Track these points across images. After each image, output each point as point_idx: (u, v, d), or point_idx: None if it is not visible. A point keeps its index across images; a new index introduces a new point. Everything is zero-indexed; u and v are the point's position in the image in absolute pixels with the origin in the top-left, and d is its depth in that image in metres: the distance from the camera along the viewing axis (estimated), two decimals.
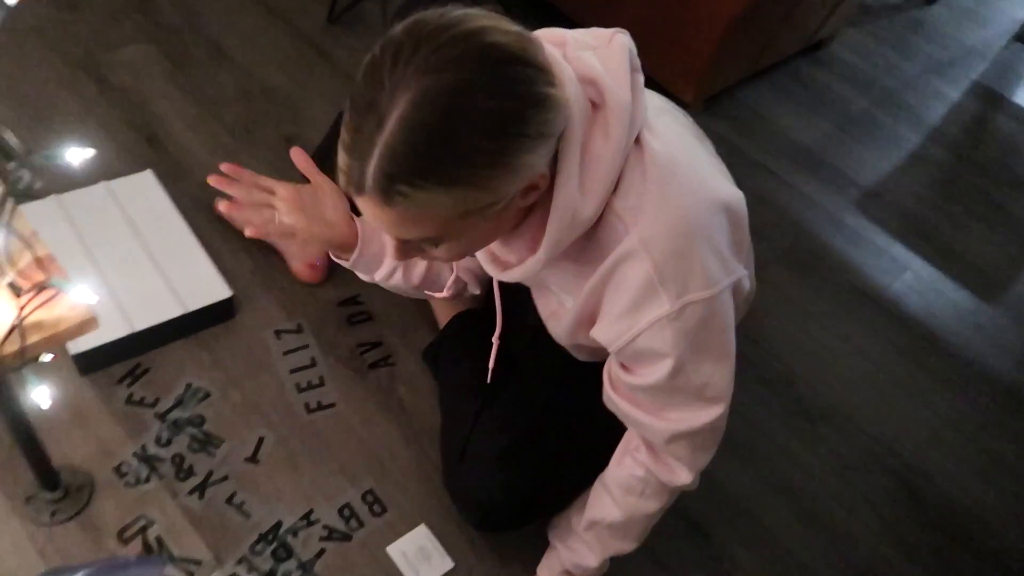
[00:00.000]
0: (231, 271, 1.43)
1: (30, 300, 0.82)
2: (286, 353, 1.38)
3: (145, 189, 1.49)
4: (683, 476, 1.00)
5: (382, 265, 1.13)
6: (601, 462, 1.09)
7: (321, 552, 1.18)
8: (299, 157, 1.07)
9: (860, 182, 2.08)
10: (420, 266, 1.16)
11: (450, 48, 0.69)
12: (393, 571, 1.19)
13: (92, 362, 1.27)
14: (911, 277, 1.87)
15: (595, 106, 0.82)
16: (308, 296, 1.46)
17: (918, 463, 1.53)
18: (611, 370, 0.99)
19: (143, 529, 1.15)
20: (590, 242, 0.87)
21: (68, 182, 1.42)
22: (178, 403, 1.28)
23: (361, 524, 1.22)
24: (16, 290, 0.82)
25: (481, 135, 0.70)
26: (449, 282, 1.18)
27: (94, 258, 1.35)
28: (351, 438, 1.31)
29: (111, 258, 1.36)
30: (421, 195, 0.72)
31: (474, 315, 1.38)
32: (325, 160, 1.32)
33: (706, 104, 2.11)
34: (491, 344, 1.18)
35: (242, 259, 1.48)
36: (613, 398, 0.99)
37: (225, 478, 1.22)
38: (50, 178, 1.21)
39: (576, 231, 0.84)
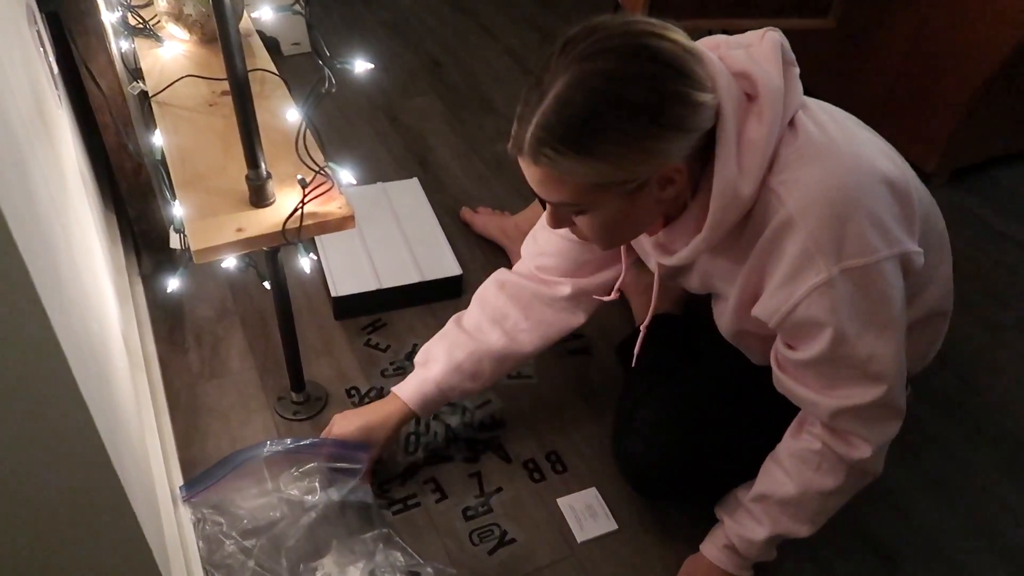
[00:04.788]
0: (464, 260, 1.66)
1: (312, 189, 1.07)
2: None
3: (410, 191, 1.80)
4: (863, 450, 0.98)
5: (444, 392, 1.23)
6: (762, 443, 1.10)
7: (499, 489, 1.30)
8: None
9: None
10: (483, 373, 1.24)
11: (609, 42, 0.83)
12: (560, 521, 1.26)
13: (346, 308, 1.54)
14: None
15: (750, 97, 0.90)
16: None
17: None
18: (777, 350, 1.02)
19: None
20: (747, 227, 0.93)
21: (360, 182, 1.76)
22: (407, 357, 1.49)
23: (543, 477, 1.32)
24: (303, 183, 1.08)
25: (620, 117, 0.83)
26: (617, 284, 1.25)
27: (362, 229, 1.66)
28: (543, 407, 1.43)
29: (375, 235, 1.66)
30: (562, 160, 0.85)
31: (668, 317, 1.46)
32: None
33: (953, 176, 2.04)
34: (681, 339, 1.25)
35: (476, 254, 1.71)
36: (781, 378, 1.01)
37: (434, 417, 1.40)
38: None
39: (737, 210, 0.90)
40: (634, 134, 0.84)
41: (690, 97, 0.83)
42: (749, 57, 0.92)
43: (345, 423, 1.22)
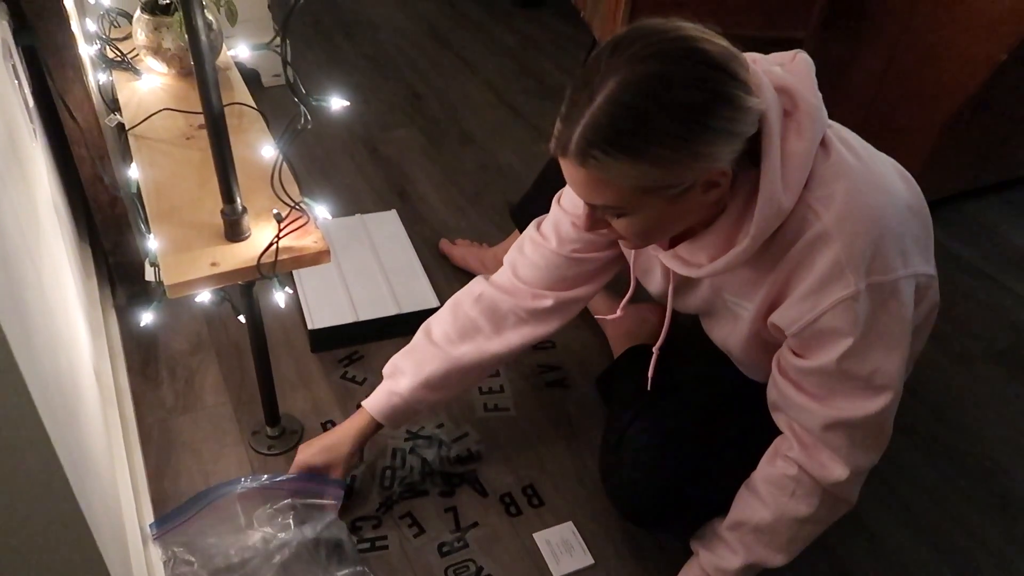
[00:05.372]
0: (442, 292, 1.66)
1: (287, 224, 1.07)
2: None
3: (388, 223, 1.81)
4: (837, 471, 0.98)
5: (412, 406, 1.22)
6: (751, 467, 1.10)
7: (475, 523, 1.29)
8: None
9: None
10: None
11: (659, 45, 0.83)
12: (536, 555, 1.25)
13: (322, 340, 1.53)
14: None
15: (787, 113, 0.92)
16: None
17: None
18: (781, 356, 1.02)
19: None
20: (775, 240, 0.94)
21: (338, 214, 1.77)
22: None
23: (520, 511, 1.31)
24: (279, 218, 1.08)
25: (671, 119, 0.82)
26: (624, 301, 1.27)
27: (339, 261, 1.66)
28: (520, 440, 1.43)
29: (353, 267, 1.66)
30: (610, 163, 0.84)
31: (644, 347, 1.47)
32: (524, 212, 1.54)
33: None
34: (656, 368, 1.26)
35: (454, 286, 1.70)
36: (778, 382, 1.02)
37: (410, 451, 1.39)
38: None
39: (776, 221, 0.91)
40: (684, 136, 0.83)
41: (738, 100, 0.84)
42: (786, 73, 0.94)
43: (307, 448, 1.22)
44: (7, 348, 0.54)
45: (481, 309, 1.22)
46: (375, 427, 1.23)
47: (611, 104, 0.82)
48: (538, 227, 1.23)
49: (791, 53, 0.98)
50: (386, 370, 1.25)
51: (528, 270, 1.22)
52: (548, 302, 1.21)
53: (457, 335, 1.22)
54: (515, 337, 1.22)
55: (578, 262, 1.19)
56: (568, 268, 1.20)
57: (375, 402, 1.22)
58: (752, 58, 0.96)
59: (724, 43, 0.86)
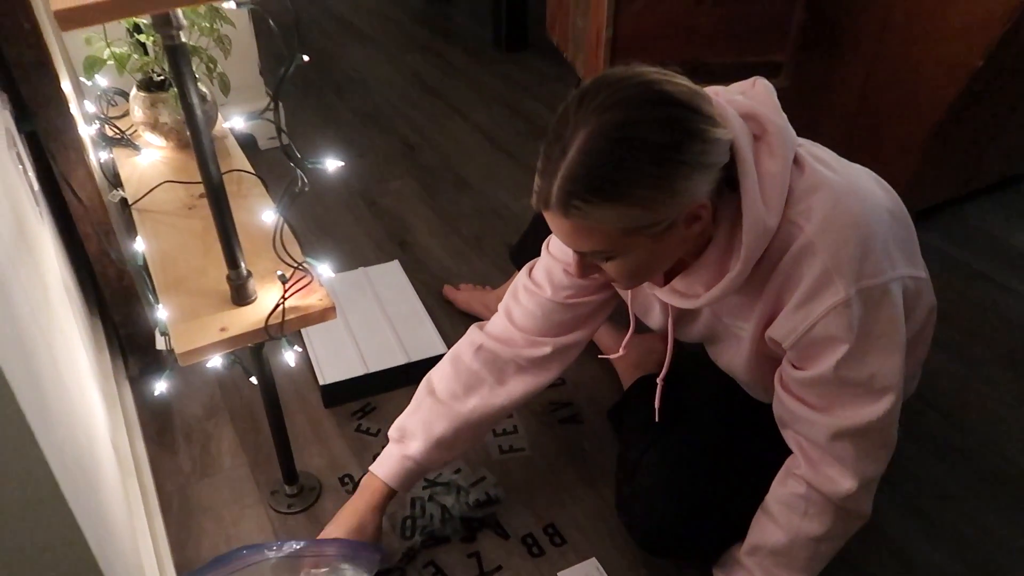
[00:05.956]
0: (448, 336, 1.67)
1: (292, 284, 1.10)
2: None
3: (391, 274, 1.83)
4: (845, 484, 0.99)
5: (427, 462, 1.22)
6: (765, 492, 1.10)
7: (499, 567, 1.28)
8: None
9: None
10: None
11: (623, 92, 0.87)
12: None
13: (334, 395, 1.55)
14: None
15: (757, 137, 0.95)
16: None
17: None
18: (783, 371, 1.04)
19: None
20: (763, 259, 0.96)
21: (341, 268, 1.79)
22: None
23: (542, 551, 1.31)
24: (283, 279, 1.11)
25: (644, 161, 0.85)
26: (625, 340, 1.28)
27: (345, 315, 1.68)
28: (538, 479, 1.43)
29: (359, 320, 1.68)
30: (593, 210, 0.88)
31: (656, 379, 1.48)
32: (522, 253, 1.56)
33: (919, 217, 2.09)
34: (665, 396, 1.27)
35: (460, 331, 1.70)
36: (782, 397, 1.03)
37: (429, 498, 1.39)
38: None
39: (764, 241, 0.94)
40: (660, 175, 0.86)
41: (706, 133, 0.87)
42: (749, 100, 0.97)
43: (333, 529, 1.20)
44: (27, 427, 0.56)
45: (482, 361, 1.23)
46: (391, 495, 1.22)
47: (584, 154, 0.85)
48: (530, 273, 1.25)
49: (750, 81, 1.02)
50: (393, 433, 1.24)
51: (524, 318, 1.23)
52: (547, 349, 1.22)
53: (462, 390, 1.23)
54: (519, 386, 1.23)
55: (573, 307, 1.21)
56: (564, 313, 1.22)
57: (388, 469, 1.21)
58: (714, 91, 0.99)
59: (685, 82, 0.90)
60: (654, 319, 1.21)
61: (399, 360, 1.58)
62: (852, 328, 0.92)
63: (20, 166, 1.14)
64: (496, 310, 1.70)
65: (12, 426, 0.55)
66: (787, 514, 1.04)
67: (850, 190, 0.95)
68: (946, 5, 1.68)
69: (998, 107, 1.89)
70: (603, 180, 0.86)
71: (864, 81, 1.91)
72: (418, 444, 1.21)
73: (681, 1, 1.65)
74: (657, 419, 1.26)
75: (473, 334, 1.27)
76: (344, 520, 1.21)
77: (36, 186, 1.25)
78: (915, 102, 1.84)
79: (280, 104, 0.99)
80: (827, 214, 0.93)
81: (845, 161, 1.04)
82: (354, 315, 1.69)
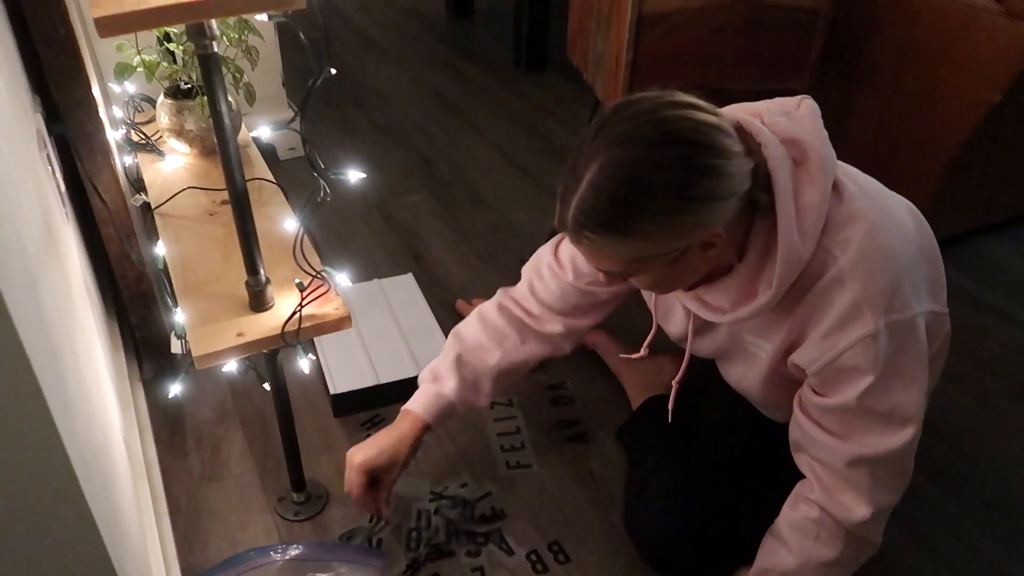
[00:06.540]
0: None
1: (310, 292, 1.11)
2: (496, 420, 1.57)
3: (405, 286, 1.85)
4: (860, 511, 0.99)
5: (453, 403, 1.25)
6: (775, 509, 1.10)
7: None
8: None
9: None
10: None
11: (634, 128, 0.88)
12: None
13: (345, 404, 1.56)
14: None
15: (797, 163, 0.95)
16: (522, 378, 1.66)
17: None
18: (802, 395, 1.04)
19: (363, 533, 1.35)
20: (794, 286, 0.97)
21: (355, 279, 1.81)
22: None
23: (546, 568, 1.31)
24: (301, 287, 1.12)
25: (650, 199, 0.87)
26: (647, 341, 1.30)
27: (358, 325, 1.69)
28: (544, 496, 1.43)
29: (372, 331, 1.69)
30: (601, 240, 0.91)
31: (665, 399, 1.48)
32: None
33: None
34: (676, 413, 1.27)
35: None
36: (800, 421, 1.03)
37: (435, 511, 1.40)
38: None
39: (796, 270, 0.95)
40: (665, 213, 0.88)
41: (718, 168, 0.87)
42: (792, 123, 0.97)
43: (362, 451, 1.20)
44: (52, 425, 0.57)
45: (507, 319, 1.29)
46: (426, 428, 1.23)
47: (593, 189, 0.88)
48: (555, 251, 1.29)
49: (796, 100, 1.02)
50: (425, 375, 1.28)
51: (545, 294, 1.28)
52: (559, 327, 1.28)
53: (489, 342, 1.28)
54: (537, 350, 1.30)
55: (590, 294, 1.26)
56: (581, 298, 1.26)
57: (423, 405, 1.23)
58: (756, 111, 0.99)
59: (703, 114, 0.89)
60: (675, 324, 1.22)
61: (410, 372, 1.59)
62: (878, 360, 0.93)
63: (49, 168, 1.16)
64: None
65: (39, 422, 0.57)
66: (799, 538, 1.04)
67: (886, 223, 0.96)
68: (965, 38, 1.69)
69: (1016, 144, 1.90)
70: (609, 216, 0.88)
71: (883, 111, 1.92)
72: (452, 383, 1.24)
73: (702, 28, 1.66)
74: (670, 420, 1.27)
75: (500, 296, 1.34)
76: (380, 440, 1.22)
77: (63, 187, 1.27)
78: (931, 135, 1.85)
79: (304, 118, 1.01)
80: (862, 246, 0.93)
81: (882, 188, 1.05)
82: (367, 326, 1.70)
